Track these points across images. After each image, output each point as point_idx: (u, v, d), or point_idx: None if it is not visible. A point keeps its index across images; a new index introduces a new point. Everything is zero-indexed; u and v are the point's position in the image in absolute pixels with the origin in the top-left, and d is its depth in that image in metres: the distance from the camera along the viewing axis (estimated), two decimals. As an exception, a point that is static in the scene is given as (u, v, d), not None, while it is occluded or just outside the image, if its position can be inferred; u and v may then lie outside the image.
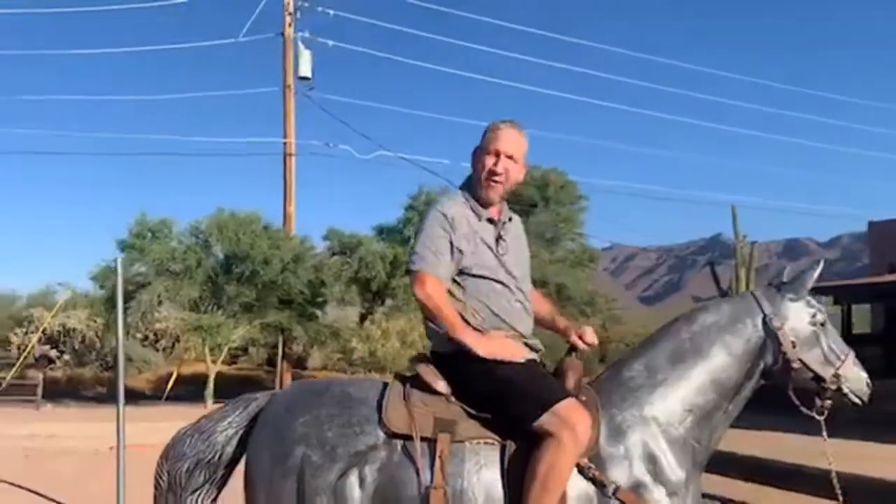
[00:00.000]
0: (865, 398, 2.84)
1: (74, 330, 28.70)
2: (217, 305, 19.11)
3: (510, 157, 2.86)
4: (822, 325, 2.83)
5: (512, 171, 2.88)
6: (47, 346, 28.32)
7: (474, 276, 2.83)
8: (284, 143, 23.75)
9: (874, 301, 19.71)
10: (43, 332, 26.08)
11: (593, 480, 2.61)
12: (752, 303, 2.86)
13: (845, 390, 2.81)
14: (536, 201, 21.24)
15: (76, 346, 29.28)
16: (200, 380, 20.51)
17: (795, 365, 2.78)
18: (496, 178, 2.85)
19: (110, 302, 19.26)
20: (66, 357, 29.14)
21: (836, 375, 2.80)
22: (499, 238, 2.90)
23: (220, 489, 2.94)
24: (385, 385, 2.83)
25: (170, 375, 22.25)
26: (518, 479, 2.57)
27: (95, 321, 27.84)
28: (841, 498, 2.82)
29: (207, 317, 18.51)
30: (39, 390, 18.99)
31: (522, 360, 2.73)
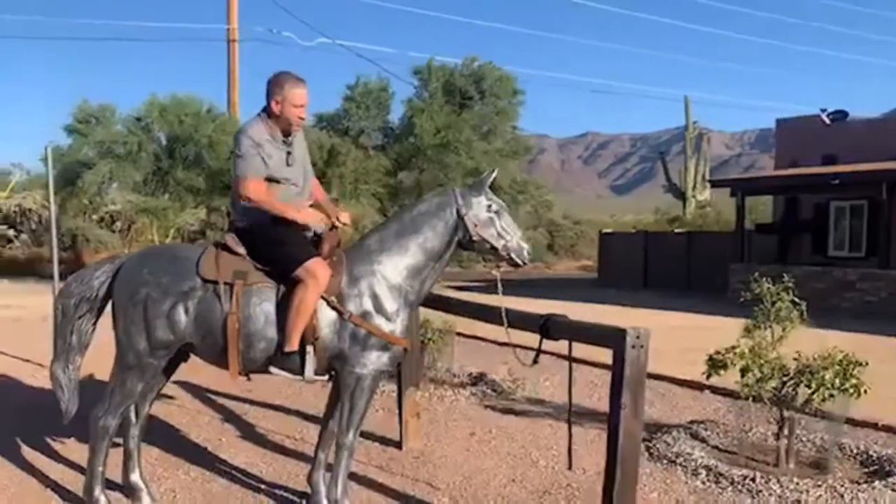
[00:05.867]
0: (525, 261, 4.27)
1: (31, 210, 29.65)
2: (163, 189, 20.23)
3: (304, 105, 4.20)
4: (497, 212, 4.24)
5: (306, 113, 4.26)
6: (5, 226, 29.32)
7: (272, 179, 4.18)
8: (228, 30, 24.31)
9: (775, 194, 21.39)
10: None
11: (336, 310, 4.05)
12: (451, 197, 4.25)
13: (512, 256, 4.24)
14: (472, 94, 22.23)
15: (33, 227, 30.28)
16: (154, 260, 21.76)
17: (476, 238, 4.20)
18: (301, 122, 4.24)
19: (59, 182, 20.24)
20: (25, 237, 30.18)
21: (505, 247, 4.23)
22: (288, 153, 4.25)
23: (97, 316, 4.34)
24: (205, 249, 4.22)
25: (124, 255, 23.49)
26: (285, 307, 4.00)
27: (47, 202, 28.71)
28: (506, 324, 4.29)
29: (153, 200, 19.66)
30: (-5, 266, 20.20)
31: (321, 227, 4.18)
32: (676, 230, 28.71)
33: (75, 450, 5.24)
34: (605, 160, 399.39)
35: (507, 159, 23.38)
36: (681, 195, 36.44)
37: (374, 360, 4.09)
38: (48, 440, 5.53)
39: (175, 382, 7.10)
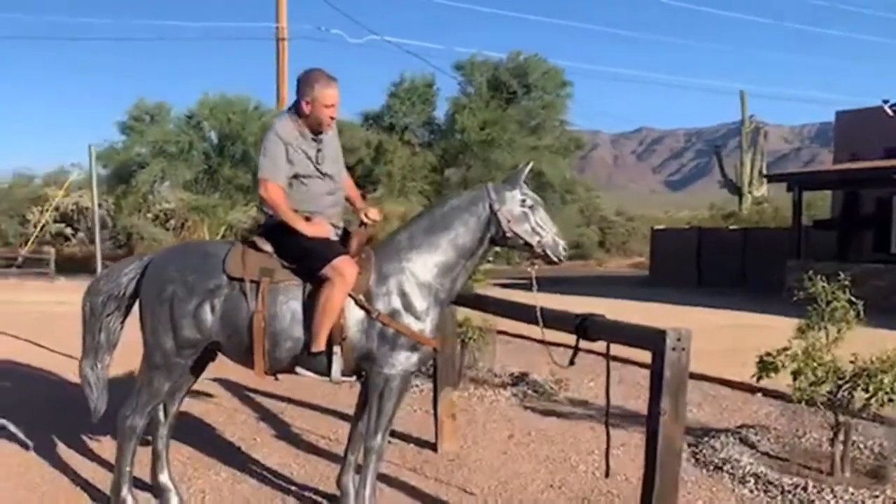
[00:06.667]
0: (561, 258, 4.09)
1: (87, 209, 30.32)
2: (213, 187, 20.47)
3: (335, 105, 4.07)
4: (531, 207, 4.05)
5: (337, 112, 4.11)
6: (62, 224, 30.07)
7: (300, 179, 4.06)
8: (277, 28, 24.46)
9: (834, 188, 20.70)
10: (56, 210, 27.67)
11: (364, 309, 3.92)
12: (483, 192, 4.08)
13: (547, 252, 4.06)
14: (516, 89, 21.94)
15: (90, 225, 30.97)
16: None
17: (509, 235, 4.02)
18: (331, 122, 4.10)
19: (113, 181, 20.66)
20: (81, 235, 30.90)
21: (540, 243, 4.05)
22: (318, 151, 4.13)
23: (125, 314, 4.29)
24: (232, 246, 4.13)
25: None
26: (311, 306, 3.89)
27: (107, 200, 29.41)
28: (541, 323, 4.11)
29: (204, 197, 19.91)
30: (52, 264, 20.70)
31: (328, 237, 4.02)
32: (731, 226, 28.04)
33: (108, 448, 5.22)
34: (659, 155, 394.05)
35: (556, 156, 23.06)
36: (737, 191, 35.65)
37: (404, 360, 3.95)
38: (83, 437, 5.53)
39: (214, 379, 7.10)
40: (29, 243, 23.96)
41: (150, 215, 30.76)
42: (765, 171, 34.90)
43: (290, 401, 6.78)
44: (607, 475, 4.03)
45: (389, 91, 21.95)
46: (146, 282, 4.12)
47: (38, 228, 25.11)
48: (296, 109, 4.10)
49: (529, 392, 7.28)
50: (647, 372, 7.29)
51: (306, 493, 4.60)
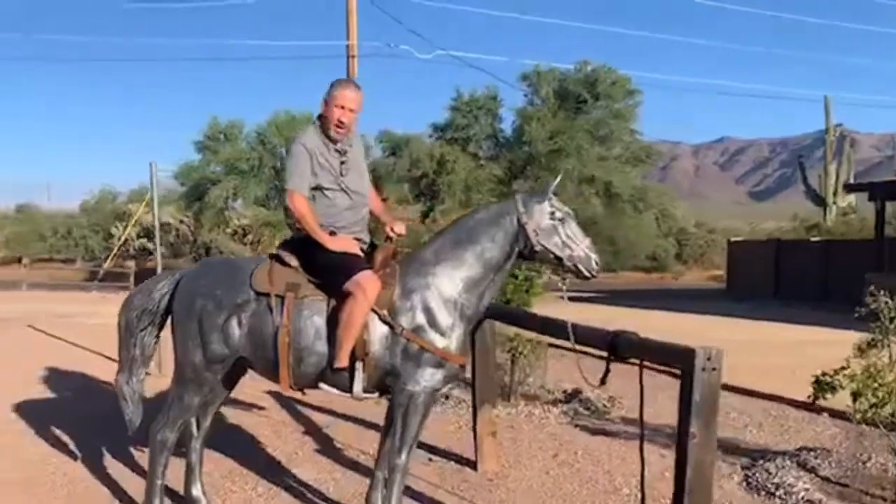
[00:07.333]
0: (594, 273, 3.94)
1: (168, 224, 31.32)
2: (283, 203, 20.90)
3: (351, 110, 4.03)
4: (561, 220, 3.92)
5: (352, 118, 4.07)
6: (144, 239, 31.12)
7: (323, 191, 4.05)
8: (347, 46, 24.79)
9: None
10: (139, 225, 28.61)
11: (388, 324, 3.86)
12: (511, 205, 3.98)
13: (578, 267, 3.93)
14: (586, 98, 21.64)
15: (171, 240, 31.97)
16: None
17: (538, 248, 3.90)
18: (342, 126, 4.04)
19: (191, 197, 21.27)
20: (163, 249, 31.89)
21: (571, 257, 3.92)
22: (342, 162, 4.10)
23: (160, 329, 4.34)
24: (260, 261, 4.14)
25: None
26: (335, 321, 3.85)
27: (188, 216, 30.30)
28: (572, 338, 3.97)
29: (275, 213, 20.31)
30: (132, 278, 21.41)
31: (354, 252, 3.98)
32: (813, 238, 26.98)
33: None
34: (742, 165, 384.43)
35: (626, 166, 22.64)
36: (821, 202, 34.33)
37: (428, 377, 3.87)
38: (130, 448, 5.62)
39: (267, 392, 7.15)
40: (110, 257, 24.83)
41: (228, 230, 31.58)
42: (852, 181, 33.49)
43: (337, 414, 6.77)
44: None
45: (449, 106, 21.96)
46: (178, 296, 4.17)
47: (121, 242, 25.99)
48: (319, 116, 4.11)
49: (581, 410, 7.09)
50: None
51: (338, 510, 4.56)
